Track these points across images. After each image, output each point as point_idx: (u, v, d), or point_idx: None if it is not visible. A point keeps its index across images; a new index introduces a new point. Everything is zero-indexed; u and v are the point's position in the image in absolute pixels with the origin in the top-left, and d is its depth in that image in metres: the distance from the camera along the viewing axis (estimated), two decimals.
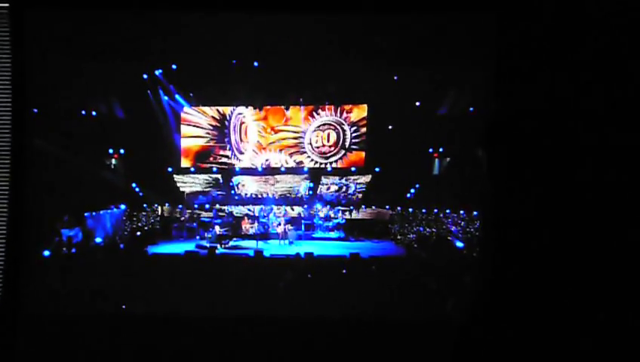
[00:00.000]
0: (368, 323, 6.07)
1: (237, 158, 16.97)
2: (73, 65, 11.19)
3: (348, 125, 16.50)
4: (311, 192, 16.57)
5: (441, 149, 15.25)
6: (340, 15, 7.65)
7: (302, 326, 5.72)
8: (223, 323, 5.85)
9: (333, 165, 16.68)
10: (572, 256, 1.30)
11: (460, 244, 12.31)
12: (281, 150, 16.86)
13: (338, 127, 16.60)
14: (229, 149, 17.00)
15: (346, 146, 16.60)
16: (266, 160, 16.84)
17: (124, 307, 6.93)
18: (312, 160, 16.82)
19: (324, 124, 16.68)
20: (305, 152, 16.83)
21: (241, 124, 16.90)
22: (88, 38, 9.48)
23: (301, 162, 16.82)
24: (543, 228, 1.32)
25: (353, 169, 16.53)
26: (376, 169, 16.15)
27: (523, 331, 1.30)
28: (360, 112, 16.37)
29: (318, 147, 16.78)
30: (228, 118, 16.89)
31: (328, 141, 16.68)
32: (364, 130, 16.38)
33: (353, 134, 16.52)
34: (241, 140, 16.94)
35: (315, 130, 16.73)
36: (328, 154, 16.76)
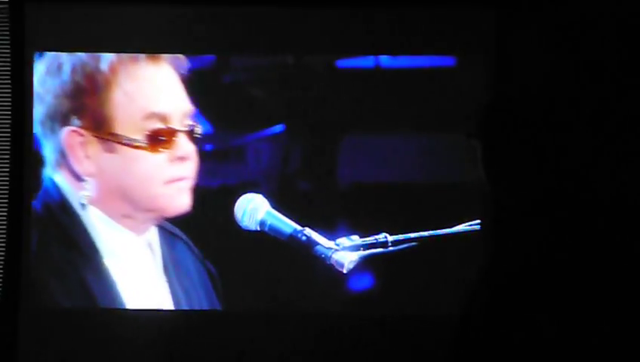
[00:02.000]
0: (377, 319, 5.80)
1: None
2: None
3: None
4: None
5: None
6: (341, 9, 7.70)
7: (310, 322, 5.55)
8: (230, 318, 5.75)
9: None
10: (574, 254, 1.18)
11: None
12: None
13: None
14: None
15: None
16: None
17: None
18: None
19: None
20: None
21: None
22: (84, 29, 9.28)
23: None
24: (541, 223, 1.22)
25: None
26: None
27: (518, 328, 1.18)
28: None
29: None
30: None
31: None
32: None
33: None
34: None
35: None
36: None
